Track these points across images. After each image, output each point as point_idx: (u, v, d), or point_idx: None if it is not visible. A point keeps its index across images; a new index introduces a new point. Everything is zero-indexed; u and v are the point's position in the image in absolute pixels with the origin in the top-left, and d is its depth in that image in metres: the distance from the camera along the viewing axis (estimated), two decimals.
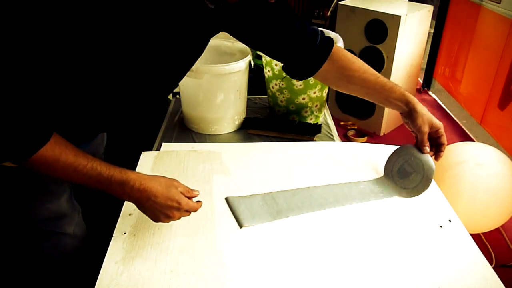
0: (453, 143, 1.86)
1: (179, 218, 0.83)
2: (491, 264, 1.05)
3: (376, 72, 1.01)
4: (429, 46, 2.90)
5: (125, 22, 0.69)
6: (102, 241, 0.89)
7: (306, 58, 0.98)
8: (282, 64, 1.05)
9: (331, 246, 0.88)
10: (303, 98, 1.36)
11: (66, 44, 0.66)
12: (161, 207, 0.80)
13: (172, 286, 0.78)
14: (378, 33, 2.30)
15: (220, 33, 0.96)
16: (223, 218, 0.95)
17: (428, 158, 1.00)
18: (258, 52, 1.38)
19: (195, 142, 1.30)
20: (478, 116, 2.41)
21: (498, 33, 2.21)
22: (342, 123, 2.65)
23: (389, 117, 2.55)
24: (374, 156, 1.17)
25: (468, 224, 1.01)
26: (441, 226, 0.95)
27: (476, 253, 0.88)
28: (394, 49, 2.26)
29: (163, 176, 0.83)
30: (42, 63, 0.67)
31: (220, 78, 1.25)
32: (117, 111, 0.89)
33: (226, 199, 1.00)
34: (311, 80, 1.31)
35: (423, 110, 0.98)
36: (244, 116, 1.42)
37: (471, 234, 0.93)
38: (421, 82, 3.13)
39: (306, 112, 1.40)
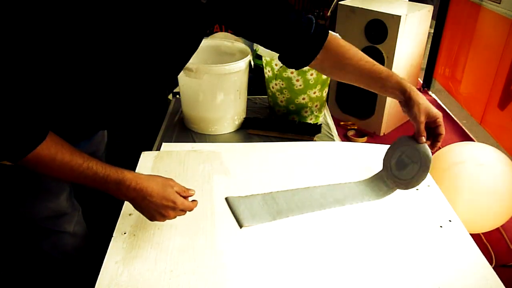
0: (453, 143, 1.86)
1: (175, 217, 0.83)
2: (491, 264, 1.05)
3: (372, 60, 0.98)
4: (429, 46, 2.89)
5: (120, 18, 0.70)
6: (102, 240, 0.89)
7: (301, 47, 0.97)
8: (278, 55, 1.03)
9: (331, 246, 0.89)
10: (303, 98, 1.36)
11: (62, 40, 0.66)
12: (157, 207, 0.80)
13: (172, 286, 0.78)
14: (378, 33, 2.29)
15: (220, 33, 0.96)
16: (223, 218, 0.95)
17: (425, 147, 0.97)
18: (258, 52, 1.39)
19: (195, 142, 1.30)
20: (478, 116, 2.41)
21: (498, 33, 2.21)
22: (342, 123, 2.65)
23: (389, 117, 2.55)
24: (374, 156, 1.17)
25: (468, 224, 1.01)
26: (441, 226, 0.95)
27: (476, 253, 0.88)
28: (394, 49, 2.26)
29: (159, 176, 0.84)
30: (38, 59, 0.67)
31: (220, 78, 1.25)
32: (115, 106, 0.89)
33: (226, 199, 1.00)
34: (311, 80, 1.31)
35: (420, 99, 0.95)
36: (244, 116, 1.42)
37: (471, 234, 0.94)
38: (421, 82, 3.13)
39: (306, 112, 1.40)
